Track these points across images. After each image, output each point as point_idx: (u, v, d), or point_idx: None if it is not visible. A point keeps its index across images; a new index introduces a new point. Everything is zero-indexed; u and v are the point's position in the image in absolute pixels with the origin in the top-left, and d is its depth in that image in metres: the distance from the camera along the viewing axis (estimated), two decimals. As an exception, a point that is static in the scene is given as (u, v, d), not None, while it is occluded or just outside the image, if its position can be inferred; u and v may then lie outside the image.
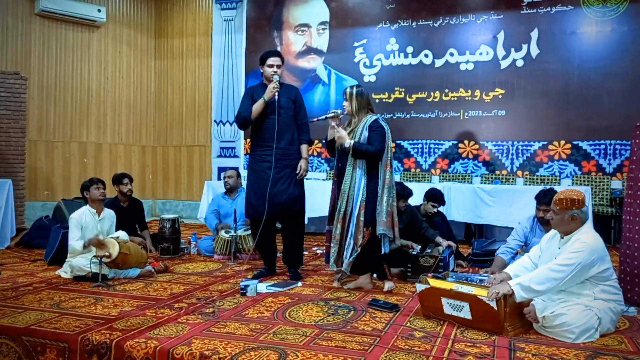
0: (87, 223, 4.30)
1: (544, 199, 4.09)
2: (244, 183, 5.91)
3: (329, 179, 7.74)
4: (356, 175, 3.74)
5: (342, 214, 3.76)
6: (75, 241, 4.18)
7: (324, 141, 4.10)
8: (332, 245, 3.81)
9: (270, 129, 4.17)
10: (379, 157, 3.74)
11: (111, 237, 4.20)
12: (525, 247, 4.34)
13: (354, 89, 3.87)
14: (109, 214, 4.51)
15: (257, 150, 4.31)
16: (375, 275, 3.98)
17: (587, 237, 2.86)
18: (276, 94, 4.09)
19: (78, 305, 3.31)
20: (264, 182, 4.14)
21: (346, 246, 3.76)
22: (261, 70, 4.28)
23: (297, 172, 4.21)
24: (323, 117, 3.93)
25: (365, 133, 3.75)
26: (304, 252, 4.55)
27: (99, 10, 8.24)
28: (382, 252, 3.71)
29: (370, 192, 3.72)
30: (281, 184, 4.13)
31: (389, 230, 3.70)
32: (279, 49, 8.26)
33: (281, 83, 4.22)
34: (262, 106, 4.14)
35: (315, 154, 8.02)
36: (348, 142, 3.71)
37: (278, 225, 4.60)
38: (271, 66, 4.18)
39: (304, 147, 4.32)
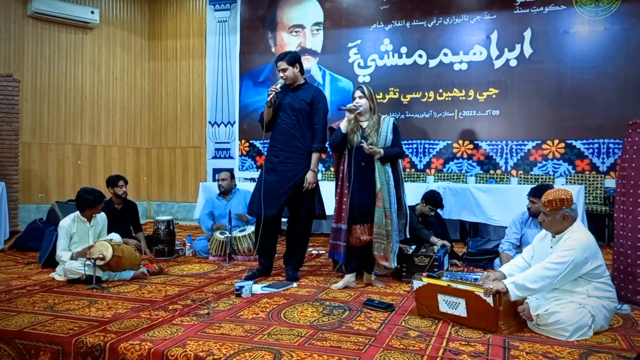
0: (77, 231, 4.28)
1: (534, 191, 4.22)
2: (239, 185, 5.95)
3: (324, 179, 7.73)
4: (387, 175, 3.83)
5: (386, 212, 3.79)
6: (61, 250, 4.17)
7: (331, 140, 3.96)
8: (378, 243, 3.80)
9: (278, 131, 4.20)
10: (402, 157, 3.94)
11: (104, 240, 4.18)
12: (520, 240, 4.39)
13: (370, 89, 3.92)
14: (100, 218, 4.46)
15: (267, 151, 4.34)
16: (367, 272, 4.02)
17: (578, 235, 2.89)
18: (273, 95, 4.08)
19: (72, 308, 3.30)
20: (266, 183, 4.13)
21: (393, 242, 3.82)
22: None
23: (304, 186, 4.10)
24: (347, 107, 3.84)
25: (390, 136, 3.86)
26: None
27: (92, 12, 8.21)
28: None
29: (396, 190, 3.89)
30: (278, 188, 4.10)
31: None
32: (273, 49, 8.28)
33: (308, 83, 4.28)
34: (268, 110, 4.17)
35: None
36: (380, 154, 3.78)
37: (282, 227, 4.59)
38: (279, 71, 4.20)
39: (314, 157, 4.13)
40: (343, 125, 3.83)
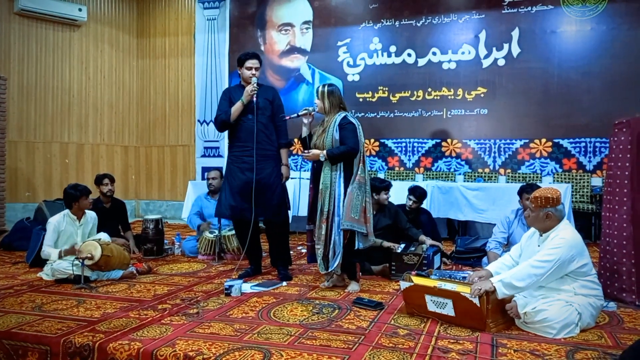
0: (66, 229, 4.25)
1: (526, 188, 4.36)
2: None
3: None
4: (334, 174, 3.71)
5: (325, 214, 3.71)
6: (48, 247, 4.14)
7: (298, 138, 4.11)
8: (317, 246, 3.78)
9: (248, 130, 4.14)
10: (356, 154, 3.70)
11: (93, 239, 4.16)
12: (508, 239, 4.44)
13: (326, 88, 3.84)
14: (90, 217, 4.44)
15: (235, 151, 4.26)
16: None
17: (565, 233, 2.92)
18: (254, 96, 4.08)
19: (60, 308, 3.28)
20: (244, 184, 4.10)
21: (332, 247, 3.70)
22: (239, 72, 4.28)
23: (282, 181, 4.22)
24: (295, 115, 3.95)
25: (336, 134, 3.71)
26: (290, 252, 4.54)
27: (80, 10, 8.14)
28: (355, 248, 3.70)
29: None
30: (262, 187, 4.10)
31: (361, 225, 3.66)
32: (262, 48, 8.26)
33: (260, 84, 4.18)
34: (240, 108, 4.12)
35: (299, 152, 8.02)
36: (322, 156, 3.70)
37: (262, 225, 4.58)
38: (249, 69, 4.17)
39: (284, 152, 4.28)
40: (303, 132, 3.91)
